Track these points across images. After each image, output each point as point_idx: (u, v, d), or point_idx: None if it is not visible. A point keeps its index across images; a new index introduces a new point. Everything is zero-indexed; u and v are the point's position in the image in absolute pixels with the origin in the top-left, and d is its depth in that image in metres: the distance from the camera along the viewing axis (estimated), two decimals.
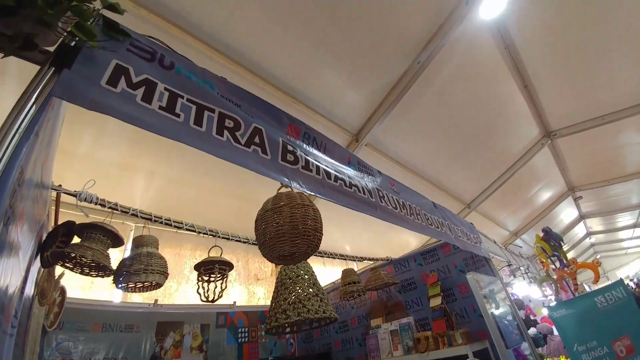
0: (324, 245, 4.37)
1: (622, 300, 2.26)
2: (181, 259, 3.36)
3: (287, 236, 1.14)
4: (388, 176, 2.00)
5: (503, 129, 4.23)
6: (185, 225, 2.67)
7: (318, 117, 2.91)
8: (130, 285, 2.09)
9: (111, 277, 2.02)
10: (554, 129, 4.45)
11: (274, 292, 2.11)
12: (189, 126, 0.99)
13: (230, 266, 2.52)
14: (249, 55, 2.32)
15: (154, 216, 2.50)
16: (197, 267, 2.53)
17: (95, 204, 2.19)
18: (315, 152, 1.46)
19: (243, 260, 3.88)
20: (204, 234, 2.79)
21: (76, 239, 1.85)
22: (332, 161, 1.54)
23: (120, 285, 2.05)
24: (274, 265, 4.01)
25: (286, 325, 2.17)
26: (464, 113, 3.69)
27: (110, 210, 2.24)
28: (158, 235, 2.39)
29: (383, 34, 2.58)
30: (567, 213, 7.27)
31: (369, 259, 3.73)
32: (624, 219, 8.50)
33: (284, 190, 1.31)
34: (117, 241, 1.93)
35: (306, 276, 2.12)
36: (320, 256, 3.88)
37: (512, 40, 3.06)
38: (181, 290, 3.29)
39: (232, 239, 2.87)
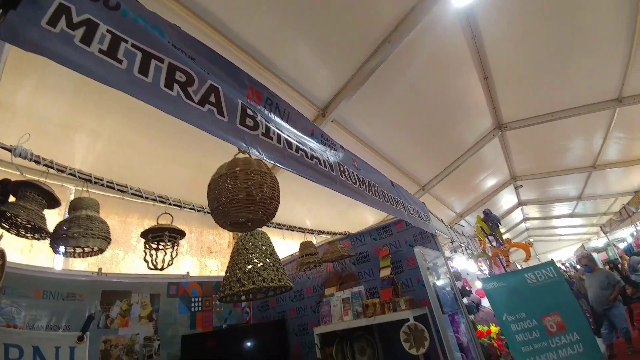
0: (284, 219, 4.39)
1: (552, 279, 2.57)
2: (128, 227, 3.17)
3: (242, 203, 1.12)
4: (351, 152, 2.03)
5: (461, 118, 4.46)
6: (131, 189, 2.49)
7: (285, 87, 2.82)
8: (69, 250, 1.94)
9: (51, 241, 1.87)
10: (505, 122, 4.76)
11: (229, 261, 2.10)
12: (133, 75, 0.89)
13: (181, 234, 2.44)
14: (214, 10, 2.13)
15: (95, 177, 2.30)
16: (144, 234, 2.41)
17: (30, 160, 1.96)
18: (278, 119, 1.42)
19: (197, 231, 3.78)
20: (152, 199, 2.64)
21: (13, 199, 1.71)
22: (295, 131, 1.51)
23: (59, 250, 1.90)
24: (231, 237, 3.96)
25: (241, 293, 2.19)
26: (428, 101, 3.81)
27: (45, 168, 2.01)
28: (103, 202, 2.22)
29: (356, 12, 2.51)
30: (507, 199, 8.03)
31: (328, 233, 3.84)
32: (560, 208, 9.59)
33: (241, 156, 1.27)
34: (53, 202, 1.77)
35: (263, 247, 2.13)
36: (279, 228, 3.91)
37: (479, 31, 3.14)
38: (128, 259, 3.14)
39: (184, 207, 2.75)
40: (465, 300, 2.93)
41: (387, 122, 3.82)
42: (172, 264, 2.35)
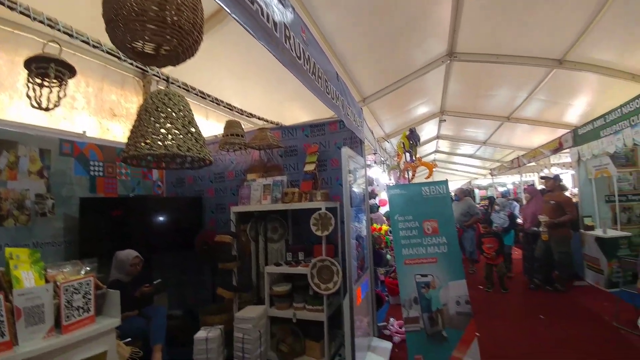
0: (209, 89, 3.87)
1: (441, 195, 3.07)
2: (15, 67, 2.48)
3: (152, 21, 0.83)
4: (302, 19, 1.72)
5: (420, 36, 4.24)
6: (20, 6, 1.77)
7: None
8: None
9: None
10: (457, 52, 4.75)
11: (136, 120, 1.78)
12: None
13: (71, 70, 1.94)
14: None
15: None
16: (27, 63, 1.87)
17: None
18: None
19: (95, 86, 3.12)
20: (40, 21, 1.95)
21: None
22: None
23: None
24: (140, 98, 3.41)
25: (150, 158, 1.97)
26: (396, 4, 3.42)
27: None
28: None
29: None
30: (429, 130, 8.80)
31: (260, 118, 3.62)
32: (465, 148, 11.02)
33: None
34: None
35: (181, 112, 1.85)
36: (203, 98, 3.49)
37: None
38: (14, 106, 2.55)
39: (76, 37, 2.13)
40: (370, 202, 3.32)
41: (349, 12, 3.37)
42: (58, 104, 1.91)
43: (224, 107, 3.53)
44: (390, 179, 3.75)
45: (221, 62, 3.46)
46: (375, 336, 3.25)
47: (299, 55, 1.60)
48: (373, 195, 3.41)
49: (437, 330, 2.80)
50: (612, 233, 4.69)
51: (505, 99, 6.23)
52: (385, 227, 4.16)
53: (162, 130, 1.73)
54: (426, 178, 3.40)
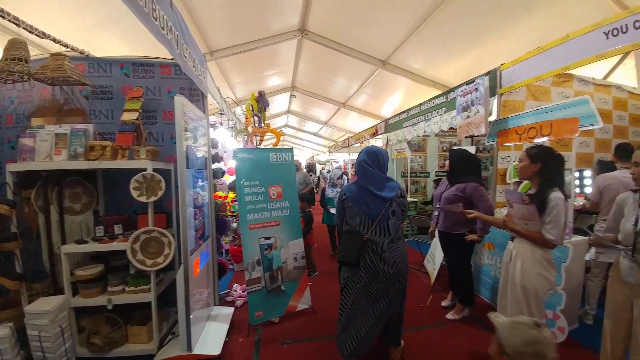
0: None
1: (286, 162, 3.16)
2: None
3: None
4: None
5: (276, 1, 4.08)
6: None
7: None
8: None
9: None
10: (308, 30, 4.94)
11: None
12: None
13: None
14: None
15: None
16: None
17: None
18: None
19: None
20: None
21: None
22: None
23: None
24: None
25: None
26: None
27: None
28: None
29: None
30: (280, 103, 9.04)
31: (57, 41, 2.52)
32: (310, 126, 12.03)
33: None
34: None
35: None
36: None
37: None
38: None
39: None
40: (214, 165, 3.04)
41: None
42: None
43: (11, 21, 2.20)
44: (239, 144, 3.54)
45: None
46: (217, 305, 3.12)
47: None
48: (218, 159, 3.13)
49: (277, 286, 2.97)
50: None
51: (343, 87, 7.11)
52: (231, 195, 3.98)
53: None
54: (274, 145, 3.41)
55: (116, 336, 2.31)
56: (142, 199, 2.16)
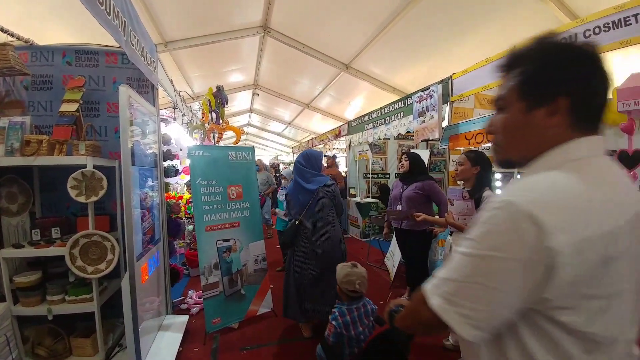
0: None
1: (247, 161, 3.05)
2: None
3: None
4: None
5: None
6: None
7: None
8: None
9: None
10: (271, 27, 4.84)
11: None
12: None
13: None
14: None
15: None
16: None
17: None
18: None
19: None
20: None
21: None
22: None
23: None
24: None
25: None
26: None
27: None
28: None
29: None
30: (242, 101, 8.75)
31: (4, 30, 2.16)
32: (274, 126, 11.78)
33: None
34: None
35: None
36: None
37: None
38: None
39: None
40: (165, 163, 2.84)
41: None
42: None
43: None
44: (195, 141, 3.34)
45: None
46: (170, 313, 2.92)
47: None
48: (171, 156, 2.93)
49: (236, 290, 2.86)
50: (366, 200, 6.53)
51: (307, 88, 7.08)
52: (187, 196, 3.75)
53: None
54: (234, 143, 3.29)
55: (59, 348, 2.10)
56: (81, 199, 1.94)
